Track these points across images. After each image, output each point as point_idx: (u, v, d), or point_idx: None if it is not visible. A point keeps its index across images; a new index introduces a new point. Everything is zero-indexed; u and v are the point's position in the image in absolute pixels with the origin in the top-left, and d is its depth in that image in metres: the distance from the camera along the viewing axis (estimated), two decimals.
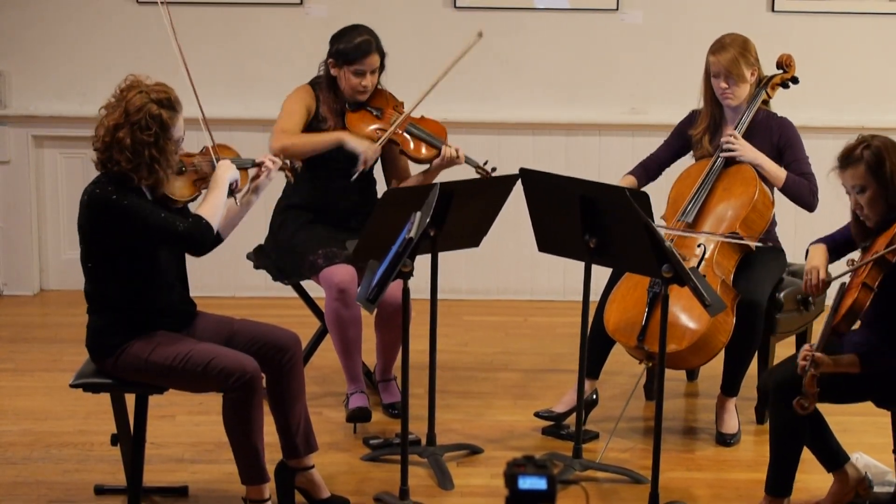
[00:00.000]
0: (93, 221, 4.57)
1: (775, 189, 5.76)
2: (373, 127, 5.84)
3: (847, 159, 4.58)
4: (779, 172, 5.66)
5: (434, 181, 5.89)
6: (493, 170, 5.83)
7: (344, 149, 5.76)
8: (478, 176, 5.84)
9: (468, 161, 5.87)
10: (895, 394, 4.63)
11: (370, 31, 5.86)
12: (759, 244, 5.53)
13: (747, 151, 5.66)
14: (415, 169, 6.05)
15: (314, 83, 5.93)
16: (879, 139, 4.58)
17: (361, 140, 5.76)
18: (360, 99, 5.85)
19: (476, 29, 7.73)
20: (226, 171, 4.78)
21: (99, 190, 4.55)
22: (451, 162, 5.83)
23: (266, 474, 4.72)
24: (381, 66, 5.87)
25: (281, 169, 5.11)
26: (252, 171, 4.97)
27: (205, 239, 4.63)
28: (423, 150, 5.85)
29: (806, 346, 4.49)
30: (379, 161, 6.01)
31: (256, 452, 4.67)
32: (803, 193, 5.66)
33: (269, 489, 4.77)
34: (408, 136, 5.85)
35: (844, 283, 4.55)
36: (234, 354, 4.62)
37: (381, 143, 5.75)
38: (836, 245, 4.93)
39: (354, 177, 5.77)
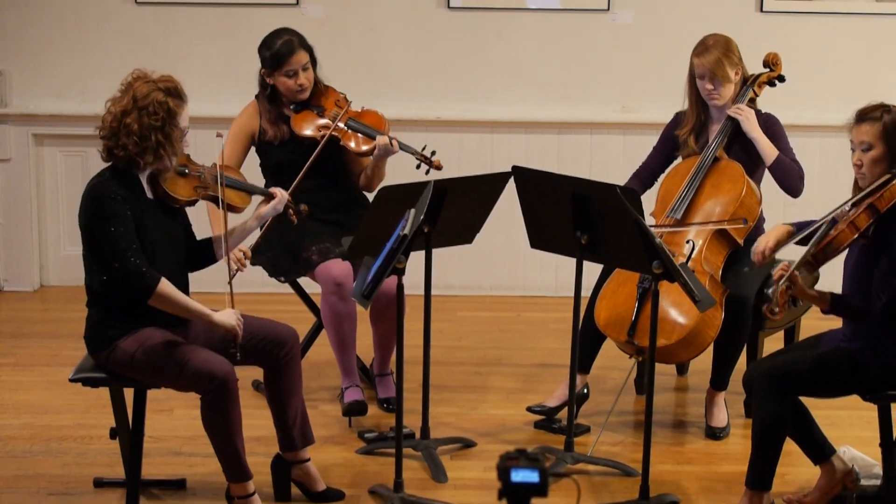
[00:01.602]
0: (85, 217, 4.60)
1: (762, 185, 5.81)
2: (314, 125, 5.87)
3: (865, 115, 4.66)
4: (771, 150, 5.69)
5: (382, 173, 5.93)
6: (434, 153, 5.79)
7: (301, 146, 5.82)
8: (417, 162, 5.79)
9: (404, 148, 5.80)
10: (881, 387, 4.67)
11: (291, 30, 5.89)
12: (741, 225, 5.57)
13: (750, 121, 5.71)
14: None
15: (258, 95, 5.99)
16: None
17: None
18: (301, 98, 5.87)
19: (470, 29, 7.81)
20: (225, 318, 4.71)
21: (97, 183, 4.60)
22: (387, 151, 5.79)
23: (248, 472, 4.75)
24: (313, 60, 5.89)
25: (287, 207, 5.12)
26: (259, 199, 5.06)
27: (138, 291, 4.55)
28: (362, 144, 5.85)
29: (784, 263, 4.57)
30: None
31: (236, 451, 4.69)
32: (792, 175, 5.69)
33: (254, 484, 4.78)
34: (348, 132, 5.85)
35: (835, 218, 4.62)
36: (207, 357, 4.63)
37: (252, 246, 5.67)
38: (805, 230, 4.94)
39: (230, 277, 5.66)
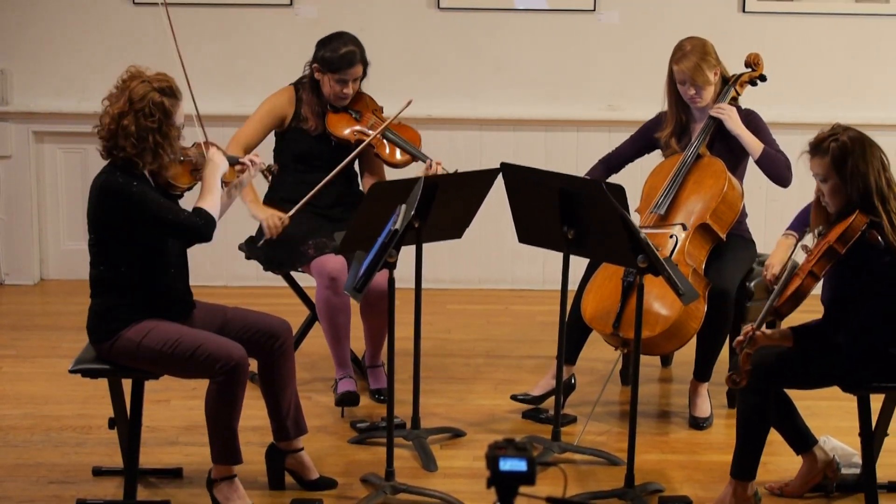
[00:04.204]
0: (105, 208, 4.65)
1: (745, 181, 5.88)
2: (351, 129, 5.99)
3: (816, 148, 4.63)
4: (756, 144, 5.74)
5: None
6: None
7: (329, 143, 5.96)
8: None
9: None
10: (861, 379, 4.73)
11: (355, 40, 5.98)
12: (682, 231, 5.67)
13: (733, 118, 5.77)
14: (389, 172, 6.16)
15: (298, 83, 6.07)
16: (849, 134, 4.59)
17: (263, 210, 5.90)
18: (340, 104, 5.99)
19: (460, 29, 7.90)
20: (219, 160, 4.87)
21: (110, 178, 4.64)
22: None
23: (240, 455, 4.80)
24: (364, 74, 6.01)
25: (261, 170, 5.25)
26: (237, 167, 5.12)
27: (207, 229, 4.70)
28: (398, 156, 5.99)
29: (748, 326, 4.61)
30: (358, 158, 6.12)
31: (234, 435, 4.75)
32: (779, 166, 5.73)
33: (249, 473, 4.88)
34: (384, 141, 5.99)
35: (797, 263, 4.64)
36: (221, 341, 4.69)
37: (291, 213, 5.84)
38: (805, 224, 5.01)
39: (260, 243, 5.92)
